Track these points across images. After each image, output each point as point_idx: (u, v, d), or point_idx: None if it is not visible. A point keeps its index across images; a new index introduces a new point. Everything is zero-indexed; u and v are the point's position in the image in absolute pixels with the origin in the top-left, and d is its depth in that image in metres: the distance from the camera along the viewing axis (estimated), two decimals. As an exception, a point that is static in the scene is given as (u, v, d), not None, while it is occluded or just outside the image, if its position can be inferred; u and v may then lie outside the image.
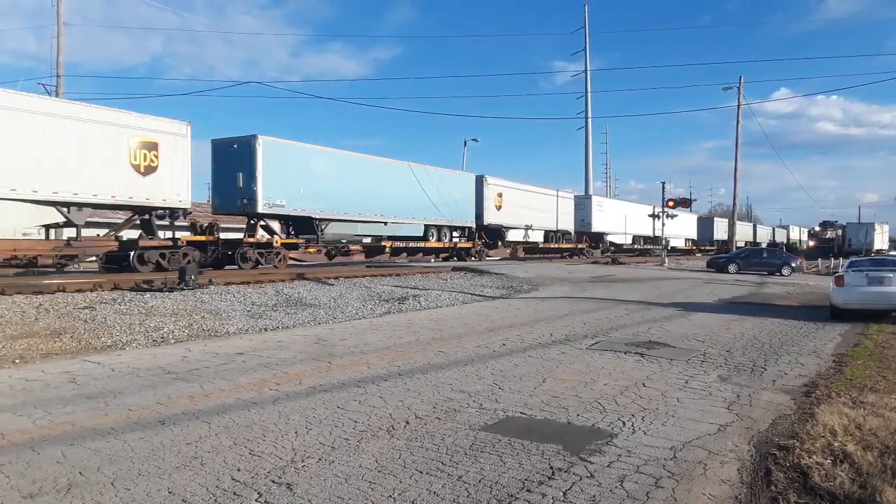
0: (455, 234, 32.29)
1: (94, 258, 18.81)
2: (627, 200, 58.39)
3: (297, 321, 11.56)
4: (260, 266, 21.13)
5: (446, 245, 31.30)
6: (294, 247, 23.10)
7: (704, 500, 3.75)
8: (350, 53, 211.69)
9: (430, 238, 30.08)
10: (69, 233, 18.77)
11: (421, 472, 4.09)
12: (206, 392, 6.17)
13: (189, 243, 19.32)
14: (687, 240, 63.40)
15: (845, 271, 13.55)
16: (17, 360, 7.68)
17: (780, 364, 8.02)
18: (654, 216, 42.32)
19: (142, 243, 18.29)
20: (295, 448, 4.55)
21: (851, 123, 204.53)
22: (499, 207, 33.89)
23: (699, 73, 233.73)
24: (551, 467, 4.20)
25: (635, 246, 53.23)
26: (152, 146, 18.38)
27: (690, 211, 62.33)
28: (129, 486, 3.83)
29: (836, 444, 4.62)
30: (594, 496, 3.74)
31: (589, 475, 4.06)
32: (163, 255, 18.53)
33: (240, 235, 22.36)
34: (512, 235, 36.33)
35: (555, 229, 40.25)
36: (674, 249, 54.78)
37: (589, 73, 60.70)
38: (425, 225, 29.40)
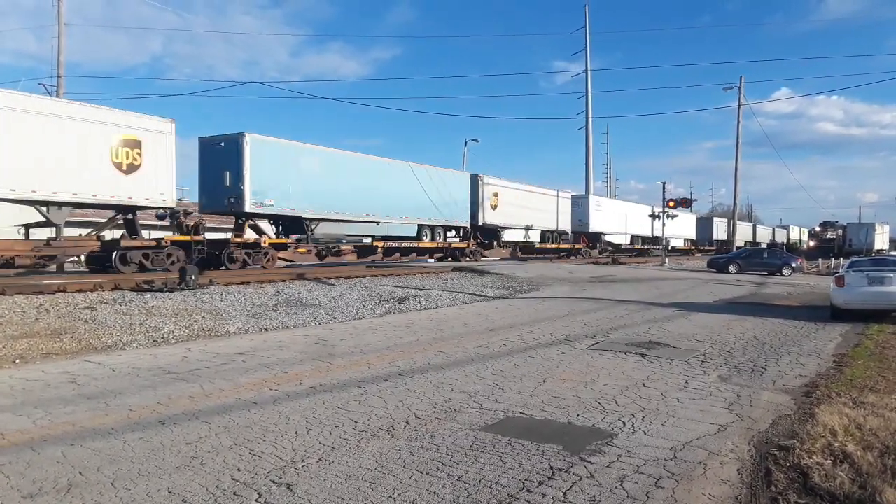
0: (449, 233, 31.86)
1: (74, 258, 18.45)
2: (627, 200, 58.47)
3: (297, 321, 11.57)
4: (248, 267, 20.66)
5: (440, 245, 30.79)
6: (283, 247, 22.61)
7: (704, 500, 3.75)
8: (350, 53, 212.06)
9: (424, 238, 29.60)
10: (49, 233, 18.20)
11: (421, 473, 4.09)
12: (207, 392, 6.18)
13: (173, 243, 18.82)
14: (686, 240, 63.33)
15: (846, 271, 13.55)
16: (17, 360, 7.69)
17: (780, 364, 8.02)
18: (654, 216, 42.28)
19: (124, 243, 17.89)
20: (295, 448, 4.55)
21: (852, 123, 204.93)
22: (495, 207, 33.65)
23: (699, 73, 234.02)
24: (551, 467, 4.20)
25: (634, 246, 53.16)
26: (135, 144, 17.91)
27: (690, 211, 62.33)
28: (129, 486, 3.83)
29: (836, 444, 4.62)
30: (594, 496, 3.74)
31: (589, 475, 4.06)
32: (146, 256, 18.13)
33: (229, 235, 21.85)
34: (508, 235, 36.06)
35: (552, 229, 40.01)
36: (673, 249, 54.71)
37: (589, 73, 60.68)
38: (419, 225, 28.99)
